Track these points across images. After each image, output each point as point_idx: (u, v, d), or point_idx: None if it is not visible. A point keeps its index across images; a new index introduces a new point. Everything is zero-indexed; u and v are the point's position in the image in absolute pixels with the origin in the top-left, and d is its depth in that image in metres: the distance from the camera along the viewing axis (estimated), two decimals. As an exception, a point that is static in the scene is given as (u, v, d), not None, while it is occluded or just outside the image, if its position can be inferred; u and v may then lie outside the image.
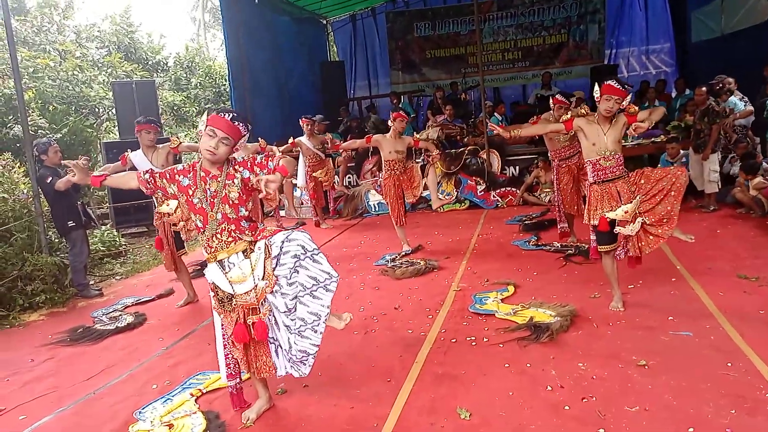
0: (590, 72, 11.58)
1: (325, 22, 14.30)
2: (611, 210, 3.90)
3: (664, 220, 3.87)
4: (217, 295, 2.90)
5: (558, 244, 5.96)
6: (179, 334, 4.54)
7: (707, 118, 6.83)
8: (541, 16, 13.14)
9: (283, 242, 2.78)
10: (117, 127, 10.17)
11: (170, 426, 3.05)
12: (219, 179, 2.79)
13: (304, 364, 2.91)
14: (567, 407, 2.86)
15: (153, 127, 5.01)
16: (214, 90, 16.67)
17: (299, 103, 11.68)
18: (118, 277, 6.81)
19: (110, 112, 12.61)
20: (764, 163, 6.85)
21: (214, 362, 3.82)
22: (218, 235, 2.79)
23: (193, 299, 5.34)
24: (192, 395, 3.36)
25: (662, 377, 3.06)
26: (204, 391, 3.42)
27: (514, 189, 8.83)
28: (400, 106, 11.60)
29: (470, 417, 2.87)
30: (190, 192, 2.79)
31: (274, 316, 2.88)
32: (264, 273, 2.80)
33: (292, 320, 2.84)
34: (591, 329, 3.82)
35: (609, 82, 3.86)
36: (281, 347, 2.91)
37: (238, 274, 2.81)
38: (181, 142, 5.13)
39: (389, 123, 6.14)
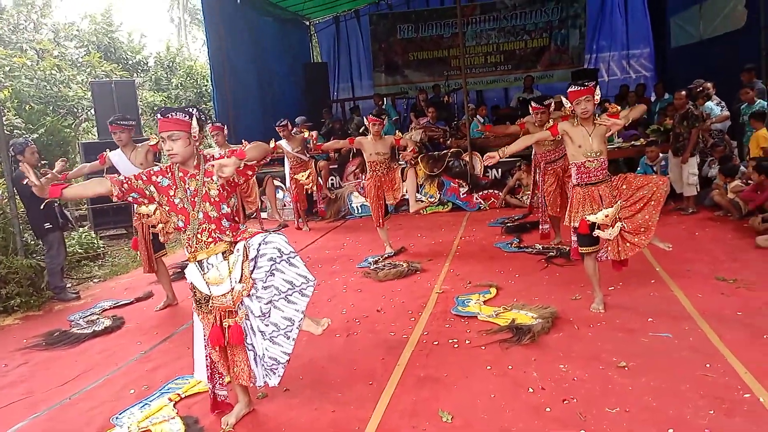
0: (571, 76, 11.69)
1: (308, 23, 14.27)
2: (592, 213, 3.93)
3: (642, 229, 3.90)
4: (195, 295, 2.88)
5: (540, 246, 5.99)
6: (158, 338, 4.47)
7: (686, 122, 6.92)
8: (523, 20, 13.26)
9: (260, 244, 2.75)
10: (96, 128, 10.02)
11: None
12: (197, 177, 2.76)
13: (274, 374, 2.85)
14: (548, 409, 2.87)
15: (118, 127, 4.89)
16: (195, 90, 16.50)
17: (282, 104, 11.63)
18: (95, 280, 6.70)
19: (89, 113, 12.41)
20: (742, 167, 6.96)
21: (192, 366, 3.77)
22: (199, 235, 2.77)
23: (172, 302, 5.27)
24: (170, 400, 3.30)
25: (642, 378, 3.08)
26: (182, 395, 3.37)
27: (496, 191, 8.87)
28: (384, 108, 11.62)
29: (452, 420, 2.86)
30: (171, 192, 2.76)
31: (250, 321, 2.84)
32: (241, 276, 2.76)
33: (266, 325, 2.81)
34: (572, 331, 3.83)
35: (570, 88, 3.93)
36: (258, 355, 2.87)
37: (216, 276, 2.78)
38: (159, 140, 5.05)
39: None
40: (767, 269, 4.74)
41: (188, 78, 16.66)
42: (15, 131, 9.80)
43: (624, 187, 3.98)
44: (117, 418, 3.18)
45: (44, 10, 15.52)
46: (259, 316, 2.79)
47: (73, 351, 4.40)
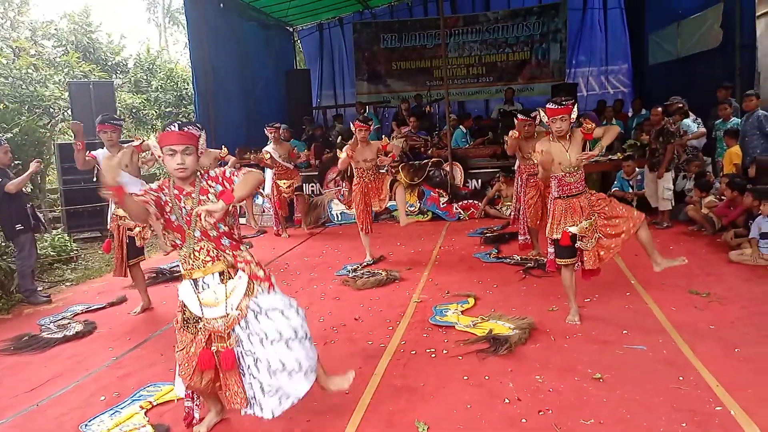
0: (551, 90, 11.82)
1: (291, 29, 14.24)
2: (574, 224, 3.99)
3: (614, 235, 4.02)
4: (184, 314, 2.76)
5: (518, 257, 6.03)
6: (130, 344, 4.39)
7: (662, 138, 7.05)
8: (505, 34, 13.40)
9: (273, 311, 2.69)
10: (72, 129, 9.85)
11: (118, 440, 2.93)
12: (193, 195, 2.66)
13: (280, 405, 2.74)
14: (524, 420, 2.87)
15: (109, 126, 4.82)
16: (175, 93, 16.32)
17: (264, 110, 11.57)
18: (68, 284, 6.56)
19: (65, 113, 12.21)
20: (716, 183, 7.10)
21: (165, 374, 3.72)
22: (196, 253, 2.66)
23: (148, 306, 5.19)
24: (142, 408, 3.24)
25: (617, 390, 3.10)
26: (154, 403, 3.30)
27: (476, 202, 8.93)
28: (366, 115, 11.64)
29: (428, 430, 2.84)
30: (167, 209, 2.66)
31: (242, 347, 2.73)
32: (238, 304, 2.66)
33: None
34: (549, 342, 3.86)
35: (548, 105, 3.98)
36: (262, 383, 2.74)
37: (212, 298, 2.68)
38: (144, 140, 4.97)
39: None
40: (739, 284, 4.85)
41: (168, 80, 16.49)
42: (-12, 130, 9.59)
43: (606, 208, 4.05)
44: (86, 425, 3.10)
45: (21, 7, 15.27)
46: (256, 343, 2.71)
47: (43, 356, 4.29)
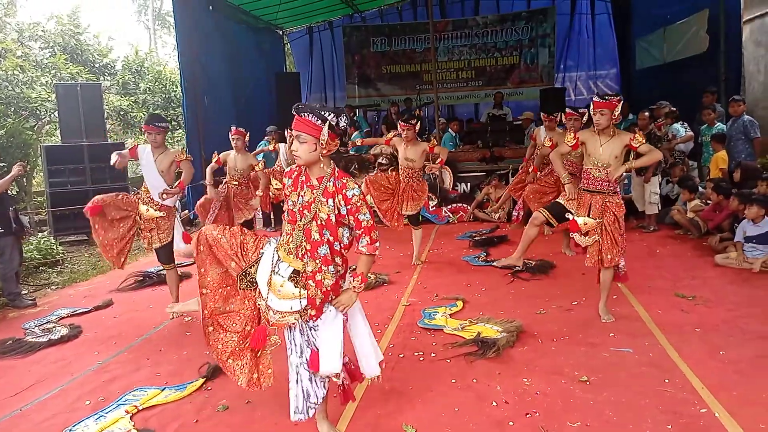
0: (539, 94, 11.89)
1: (281, 32, 14.23)
2: (574, 215, 4.14)
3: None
4: (250, 267, 2.69)
5: (506, 260, 6.04)
6: (116, 348, 4.34)
7: (649, 143, 7.10)
8: (494, 38, 13.49)
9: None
10: (59, 131, 9.77)
11: (102, 445, 2.90)
12: (315, 191, 2.54)
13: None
14: (511, 423, 2.88)
15: (154, 128, 4.65)
16: (163, 96, 16.26)
17: (254, 112, 11.55)
18: (54, 287, 6.49)
19: (52, 115, 12.11)
20: (700, 187, 7.17)
21: (151, 378, 3.69)
22: (290, 238, 2.59)
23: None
24: (127, 412, 3.20)
25: (603, 393, 3.12)
26: (140, 407, 3.26)
27: (465, 205, 8.95)
28: (356, 119, 11.66)
29: (416, 433, 2.84)
30: (287, 192, 2.64)
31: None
32: (301, 310, 2.58)
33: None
34: (536, 345, 3.87)
35: (595, 98, 4.09)
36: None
37: (278, 283, 2.58)
38: (185, 158, 4.81)
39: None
40: (724, 287, 4.90)
41: (156, 83, 16.42)
42: (-27, 132, 9.50)
43: (615, 224, 4.06)
44: (70, 430, 3.06)
45: (8, 9, 15.17)
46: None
47: (27, 360, 4.23)
